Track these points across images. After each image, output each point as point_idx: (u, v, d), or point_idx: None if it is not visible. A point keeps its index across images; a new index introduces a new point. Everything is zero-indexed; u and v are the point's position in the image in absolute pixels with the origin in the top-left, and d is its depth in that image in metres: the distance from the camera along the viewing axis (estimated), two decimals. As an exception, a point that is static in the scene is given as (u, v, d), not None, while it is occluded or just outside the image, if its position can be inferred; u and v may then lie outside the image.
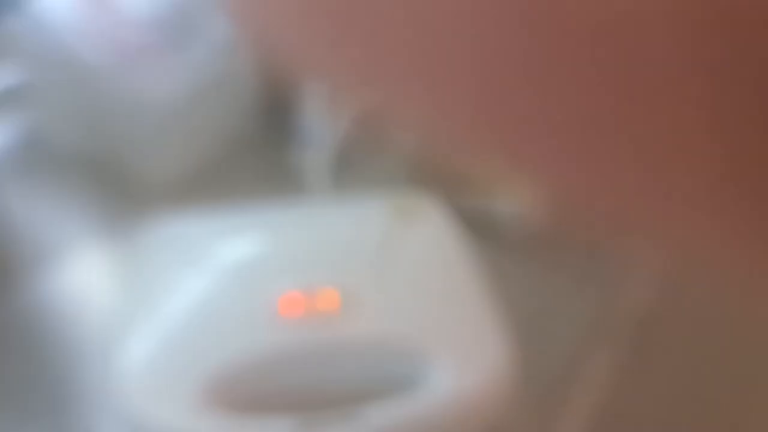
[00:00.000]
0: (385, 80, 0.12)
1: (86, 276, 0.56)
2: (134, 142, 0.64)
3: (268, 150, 0.69)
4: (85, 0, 0.61)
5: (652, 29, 0.09)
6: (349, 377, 0.39)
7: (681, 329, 0.86)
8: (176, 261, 0.45)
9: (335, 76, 0.14)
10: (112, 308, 0.52)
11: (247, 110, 0.72)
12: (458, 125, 0.12)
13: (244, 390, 0.38)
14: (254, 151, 0.68)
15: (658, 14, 0.08)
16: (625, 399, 0.65)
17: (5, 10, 0.62)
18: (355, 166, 0.69)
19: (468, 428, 0.37)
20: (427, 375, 0.38)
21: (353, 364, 0.39)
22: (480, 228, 0.62)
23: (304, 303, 0.40)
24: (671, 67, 0.09)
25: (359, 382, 0.39)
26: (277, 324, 0.39)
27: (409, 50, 0.11)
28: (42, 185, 0.67)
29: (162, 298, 0.42)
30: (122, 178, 0.67)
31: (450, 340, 0.40)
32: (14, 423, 0.44)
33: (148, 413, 0.37)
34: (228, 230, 0.47)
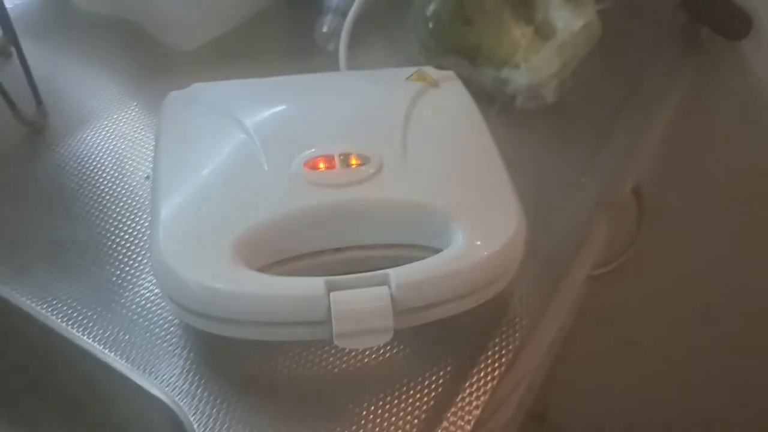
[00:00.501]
0: None
1: (117, 134, 0.58)
2: (162, 6, 0.64)
3: (292, 17, 0.69)
4: None
5: None
6: (376, 239, 0.41)
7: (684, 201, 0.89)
8: (204, 125, 0.46)
9: None
10: (144, 171, 0.54)
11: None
12: None
13: (273, 250, 0.40)
14: (279, 17, 0.68)
15: None
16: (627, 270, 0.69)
17: None
18: (376, 34, 0.69)
19: (483, 283, 0.40)
20: (450, 235, 0.40)
21: (380, 227, 0.41)
22: (495, 99, 0.63)
23: (333, 167, 0.41)
24: None
25: (386, 243, 0.41)
26: (305, 187, 0.41)
27: None
28: (70, 45, 0.68)
29: (191, 161, 0.44)
30: (150, 42, 0.67)
31: (469, 204, 0.41)
32: (51, 278, 0.47)
33: (181, 272, 0.38)
34: (255, 96, 0.49)
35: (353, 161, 0.42)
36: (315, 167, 0.41)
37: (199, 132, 0.45)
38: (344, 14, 0.65)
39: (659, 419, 1.15)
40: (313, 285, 0.37)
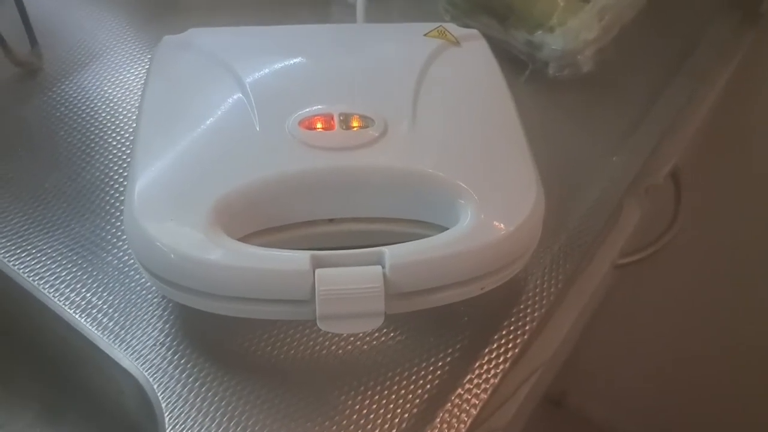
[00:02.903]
0: None
1: (113, 79, 0.54)
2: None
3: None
4: None
5: None
6: (374, 211, 0.37)
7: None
8: (195, 74, 0.42)
9: None
10: (136, 115, 0.50)
11: None
12: None
13: (258, 218, 0.36)
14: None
15: None
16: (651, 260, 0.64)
17: None
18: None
19: (491, 269, 0.36)
20: (457, 212, 0.35)
21: (380, 198, 0.37)
22: (526, 65, 0.58)
23: (332, 128, 0.37)
24: None
25: (385, 217, 0.37)
26: (298, 148, 0.36)
27: None
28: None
29: (177, 112, 0.40)
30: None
31: (481, 177, 0.37)
32: (26, 230, 0.44)
33: (154, 236, 0.34)
34: (254, 46, 0.44)
35: (355, 123, 0.37)
36: (311, 127, 0.37)
37: (188, 81, 0.41)
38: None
39: (680, 407, 1.11)
40: (297, 259, 0.33)
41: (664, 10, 0.61)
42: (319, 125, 0.37)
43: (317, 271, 0.32)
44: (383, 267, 0.33)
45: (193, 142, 0.37)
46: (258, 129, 0.37)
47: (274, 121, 0.37)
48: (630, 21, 0.59)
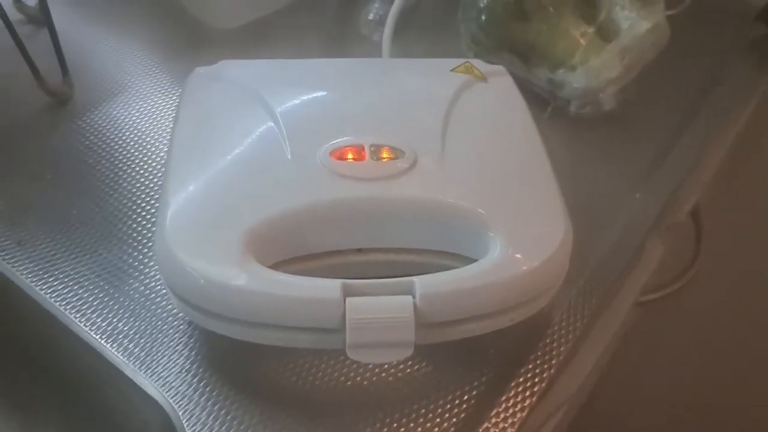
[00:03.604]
0: None
1: (141, 109, 0.55)
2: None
3: (337, 3, 0.65)
4: None
5: None
6: (403, 242, 0.37)
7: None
8: (227, 104, 0.42)
9: None
10: (165, 151, 0.51)
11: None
12: None
13: (289, 246, 0.36)
14: (324, 2, 0.65)
15: None
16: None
17: None
18: (423, 26, 0.65)
19: (520, 301, 0.36)
20: (486, 244, 0.35)
21: (409, 229, 0.37)
22: (548, 102, 0.59)
23: (363, 158, 0.37)
24: None
25: (414, 247, 0.37)
26: (329, 178, 0.37)
27: None
28: (105, 15, 0.65)
29: (208, 141, 0.40)
30: (188, 18, 0.64)
31: (510, 210, 0.37)
32: (55, 257, 0.45)
33: (185, 262, 0.34)
34: (285, 77, 0.45)
35: (385, 154, 0.38)
36: (342, 157, 0.37)
37: (220, 111, 0.42)
38: (392, 2, 0.61)
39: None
40: (328, 287, 0.33)
41: (683, 50, 0.62)
42: (350, 155, 0.37)
43: (348, 299, 0.32)
44: (413, 297, 0.33)
45: (225, 169, 0.38)
46: (289, 158, 0.38)
47: (306, 150, 0.38)
48: (651, 60, 0.60)
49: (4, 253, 0.44)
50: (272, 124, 0.40)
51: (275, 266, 0.35)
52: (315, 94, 0.43)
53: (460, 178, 0.38)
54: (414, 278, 0.34)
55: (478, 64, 0.47)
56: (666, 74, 0.61)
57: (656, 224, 0.52)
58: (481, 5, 0.58)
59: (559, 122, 0.58)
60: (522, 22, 0.58)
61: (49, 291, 0.42)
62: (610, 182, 0.54)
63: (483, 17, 0.58)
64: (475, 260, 0.36)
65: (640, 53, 0.58)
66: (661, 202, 0.53)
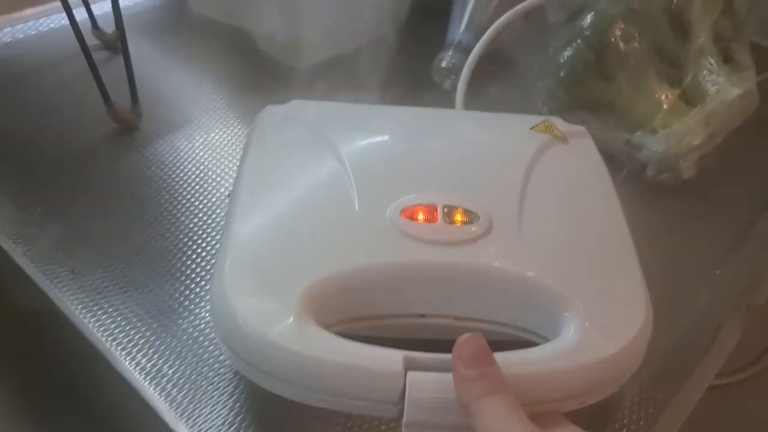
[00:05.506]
0: None
1: (206, 143, 0.54)
2: (279, 21, 0.60)
3: (410, 49, 0.64)
4: None
5: None
6: (471, 312, 0.35)
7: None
8: (297, 146, 0.41)
9: None
10: (227, 188, 0.50)
11: (396, 7, 0.66)
12: None
13: (349, 306, 0.34)
14: (396, 47, 0.63)
15: None
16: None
17: None
18: (497, 77, 0.63)
19: (594, 387, 0.33)
20: (560, 323, 0.33)
21: (478, 299, 0.34)
22: (623, 161, 0.56)
23: (435, 220, 0.35)
24: None
25: (482, 318, 0.35)
26: (398, 238, 0.35)
27: None
28: (180, 48, 0.66)
29: (275, 184, 0.39)
30: (260, 56, 0.64)
31: (589, 288, 0.34)
32: (105, 288, 0.43)
33: (240, 316, 0.32)
34: (357, 123, 0.43)
35: (458, 217, 0.35)
36: (413, 217, 0.35)
37: (289, 152, 0.40)
38: (466, 51, 0.59)
39: None
40: (389, 359, 0.30)
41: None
42: (421, 216, 0.35)
43: (409, 374, 0.30)
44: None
45: (290, 218, 0.36)
46: (358, 211, 0.36)
47: (374, 205, 0.36)
48: (737, 128, 0.56)
49: (57, 281, 0.43)
50: (342, 171, 0.38)
51: (331, 325, 0.33)
52: (387, 144, 0.41)
53: (537, 249, 0.35)
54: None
55: (558, 122, 0.45)
56: (751, 143, 0.58)
57: (736, 304, 0.49)
58: (561, 61, 0.56)
59: (633, 187, 0.55)
60: (603, 80, 0.55)
61: (96, 324, 0.41)
62: (686, 256, 0.50)
63: (562, 73, 0.56)
64: (544, 336, 0.34)
65: (727, 120, 0.55)
66: (741, 282, 0.50)
